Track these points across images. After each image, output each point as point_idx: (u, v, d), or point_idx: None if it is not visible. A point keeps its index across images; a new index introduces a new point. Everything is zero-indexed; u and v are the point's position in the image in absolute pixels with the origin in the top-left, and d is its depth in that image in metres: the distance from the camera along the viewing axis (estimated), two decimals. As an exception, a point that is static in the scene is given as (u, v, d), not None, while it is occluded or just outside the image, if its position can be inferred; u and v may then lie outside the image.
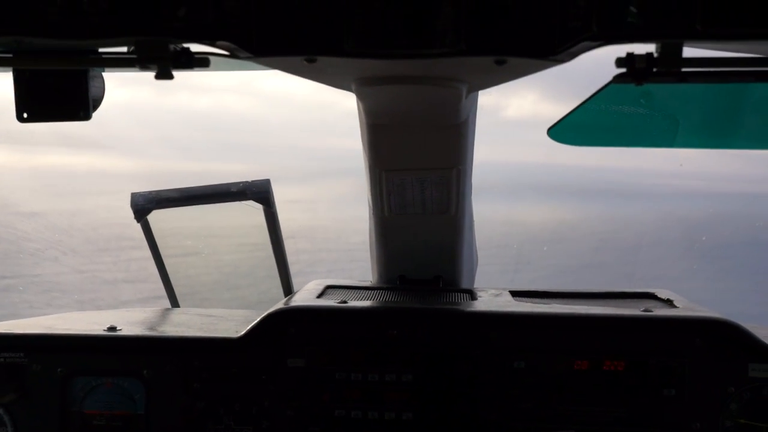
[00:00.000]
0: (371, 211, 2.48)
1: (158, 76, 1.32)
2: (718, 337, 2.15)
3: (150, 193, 2.71)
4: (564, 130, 1.98)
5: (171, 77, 1.33)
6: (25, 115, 1.66)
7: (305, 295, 2.42)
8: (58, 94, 1.64)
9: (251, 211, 2.69)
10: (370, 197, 2.42)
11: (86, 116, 1.68)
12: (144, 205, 2.67)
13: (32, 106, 1.64)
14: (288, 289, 2.92)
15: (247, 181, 2.68)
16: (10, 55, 1.40)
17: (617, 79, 1.31)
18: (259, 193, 2.67)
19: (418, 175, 2.28)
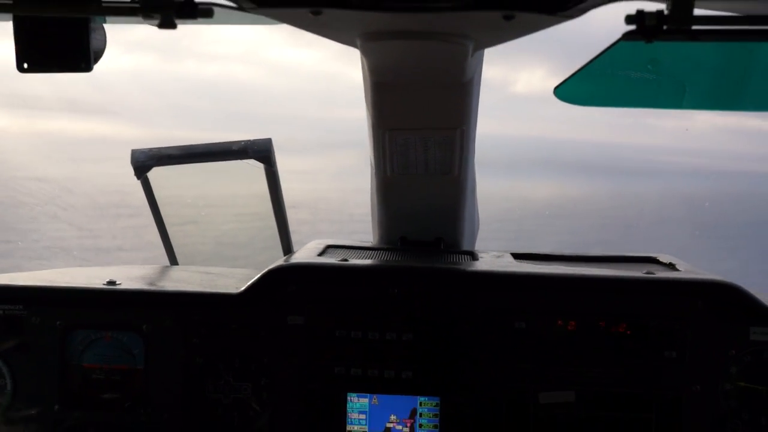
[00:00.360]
0: (373, 172, 2.46)
1: (161, 25, 1.29)
2: (720, 299, 2.14)
3: (151, 149, 2.68)
4: (571, 89, 1.95)
5: (174, 26, 1.30)
6: (25, 65, 1.64)
7: (306, 253, 2.41)
8: (59, 44, 1.61)
9: (252, 169, 2.67)
10: (372, 157, 2.40)
11: (87, 68, 1.66)
12: (144, 162, 2.65)
13: (33, 55, 1.62)
14: (288, 249, 2.91)
15: (248, 140, 2.66)
16: (11, 1, 1.37)
17: (627, 36, 1.28)
18: (261, 151, 2.65)
19: (422, 135, 2.26)
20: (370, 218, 2.69)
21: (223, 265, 2.88)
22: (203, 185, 2.99)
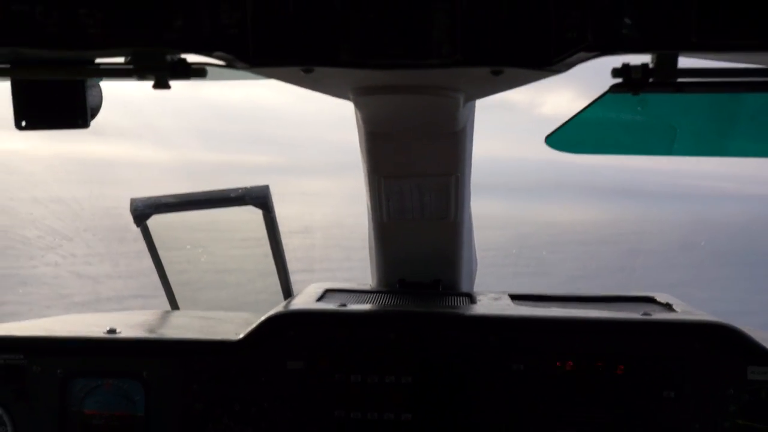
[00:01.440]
0: (370, 217, 2.49)
1: (156, 86, 1.33)
2: (717, 340, 2.16)
3: (149, 198, 2.71)
4: (562, 138, 1.99)
5: (168, 87, 1.33)
6: (23, 123, 1.66)
7: (305, 299, 2.42)
8: (57, 104, 1.64)
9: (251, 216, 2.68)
10: (368, 203, 2.43)
11: (84, 124, 1.69)
12: (143, 211, 2.69)
13: (31, 115, 1.65)
14: (287, 292, 2.93)
15: (246, 187, 2.69)
16: (8, 66, 1.42)
17: (614, 88, 1.31)
18: (258, 198, 2.68)
19: (417, 182, 2.28)
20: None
21: (224, 307, 2.88)
22: (203, 231, 3.01)
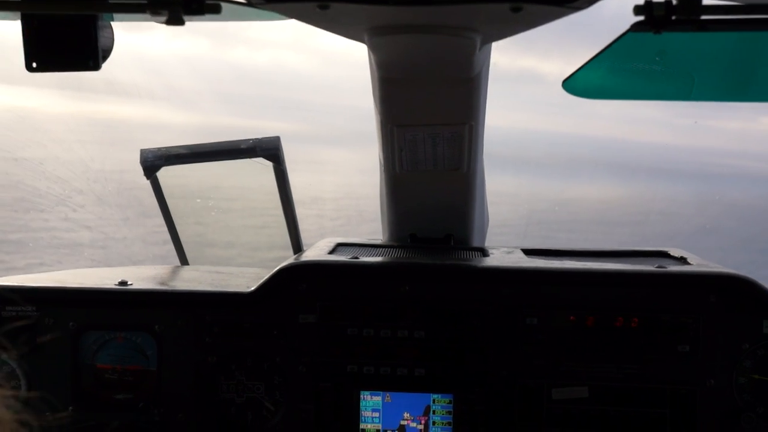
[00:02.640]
0: (382, 169, 2.45)
1: (169, 22, 1.30)
2: (733, 293, 2.13)
3: (159, 149, 2.68)
4: (579, 82, 1.93)
5: (182, 23, 1.30)
6: (34, 65, 1.65)
7: (316, 252, 2.41)
8: (68, 43, 1.61)
9: (261, 168, 2.64)
10: (381, 154, 2.39)
11: (95, 66, 1.66)
12: (153, 162, 2.65)
13: (41, 55, 1.63)
14: (297, 247, 2.90)
15: (257, 138, 2.65)
16: (18, 0, 1.39)
17: (635, 27, 1.28)
18: (269, 149, 2.64)
19: (430, 131, 2.25)
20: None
21: (234, 263, 2.86)
22: (213, 183, 2.97)
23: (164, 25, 1.44)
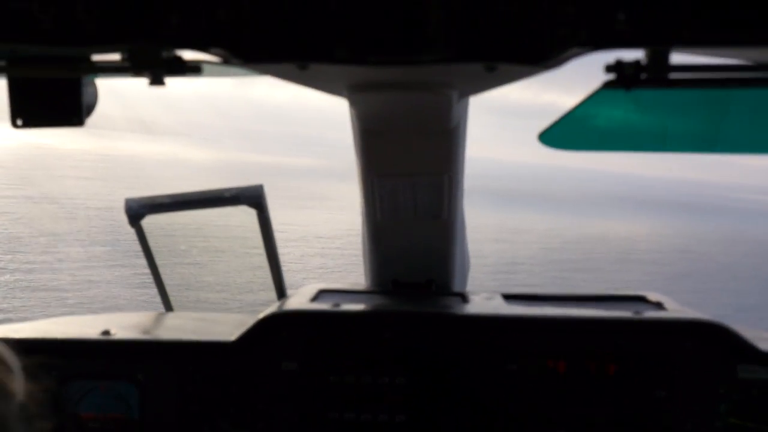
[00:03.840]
0: (364, 217, 2.49)
1: (152, 83, 1.35)
2: (707, 338, 2.17)
3: (143, 198, 2.71)
4: (555, 135, 1.94)
5: (163, 84, 1.35)
6: (19, 122, 1.67)
7: (299, 299, 2.42)
8: (52, 102, 1.65)
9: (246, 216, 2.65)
10: (362, 202, 2.43)
11: (79, 122, 1.69)
12: (138, 211, 2.68)
13: (26, 113, 1.65)
14: (281, 293, 2.92)
15: (240, 187, 2.68)
16: (4, 63, 1.43)
17: (607, 85, 1.33)
18: (252, 198, 2.66)
19: (410, 181, 2.30)
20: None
21: (218, 309, 2.85)
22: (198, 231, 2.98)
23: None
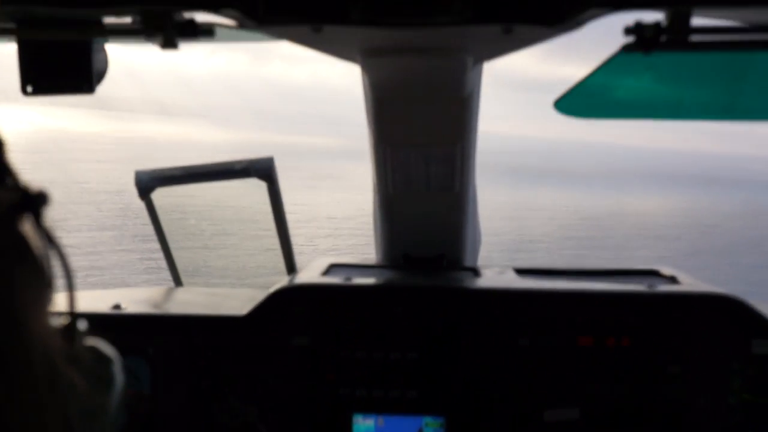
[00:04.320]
0: (375, 189, 2.47)
1: (163, 46, 1.33)
2: (721, 312, 2.14)
3: (154, 171, 2.69)
4: (571, 102, 1.92)
5: (176, 47, 1.33)
6: (29, 89, 1.66)
7: (309, 273, 2.40)
8: (62, 67, 1.63)
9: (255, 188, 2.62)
10: (374, 175, 2.41)
11: (90, 89, 1.68)
12: (148, 183, 2.66)
13: (36, 79, 1.64)
14: (291, 268, 2.90)
15: (250, 159, 2.65)
16: (14, 25, 1.41)
17: (626, 48, 1.30)
18: (263, 170, 2.64)
19: (423, 151, 2.27)
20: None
21: (228, 284, 2.84)
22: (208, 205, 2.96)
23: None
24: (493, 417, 2.16)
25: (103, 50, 1.68)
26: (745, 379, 2.13)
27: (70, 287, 0.80)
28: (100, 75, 1.68)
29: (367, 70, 1.91)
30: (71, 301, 0.81)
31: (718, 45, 1.32)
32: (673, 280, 2.37)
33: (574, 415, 2.15)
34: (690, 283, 2.30)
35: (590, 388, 2.16)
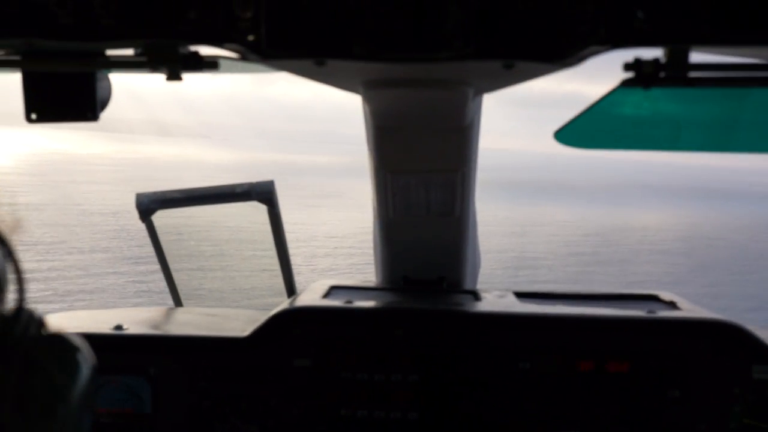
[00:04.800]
0: (376, 213, 2.49)
1: (168, 78, 1.34)
2: (722, 338, 2.15)
3: (155, 193, 2.71)
4: (571, 134, 1.93)
5: (180, 79, 1.34)
6: (33, 116, 1.66)
7: (310, 296, 2.42)
8: (66, 96, 1.64)
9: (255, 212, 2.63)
10: (374, 199, 2.43)
11: (93, 117, 1.68)
12: (149, 205, 2.68)
13: (40, 107, 1.65)
14: (291, 290, 2.92)
15: (251, 182, 2.68)
16: (19, 57, 1.42)
17: (625, 83, 1.32)
18: (263, 193, 2.66)
19: (423, 177, 2.29)
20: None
21: (228, 305, 2.84)
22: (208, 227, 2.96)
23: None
24: None
25: (107, 79, 1.70)
26: (746, 404, 2.14)
27: (20, 281, 0.90)
28: (104, 103, 1.69)
29: (368, 100, 1.94)
30: (21, 291, 0.89)
31: (717, 81, 1.34)
32: (672, 305, 2.38)
33: None
34: (689, 308, 2.32)
35: (591, 413, 2.16)
